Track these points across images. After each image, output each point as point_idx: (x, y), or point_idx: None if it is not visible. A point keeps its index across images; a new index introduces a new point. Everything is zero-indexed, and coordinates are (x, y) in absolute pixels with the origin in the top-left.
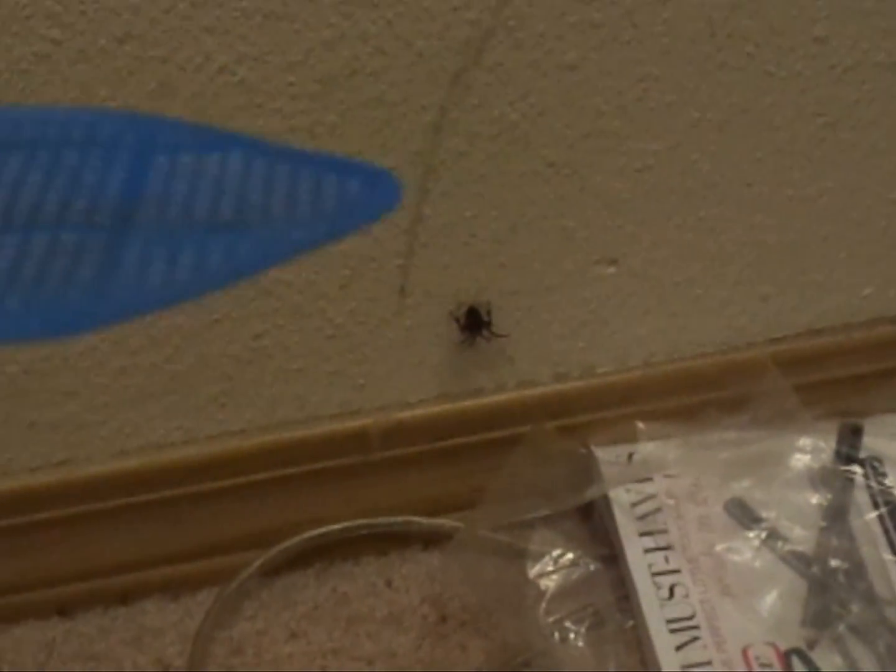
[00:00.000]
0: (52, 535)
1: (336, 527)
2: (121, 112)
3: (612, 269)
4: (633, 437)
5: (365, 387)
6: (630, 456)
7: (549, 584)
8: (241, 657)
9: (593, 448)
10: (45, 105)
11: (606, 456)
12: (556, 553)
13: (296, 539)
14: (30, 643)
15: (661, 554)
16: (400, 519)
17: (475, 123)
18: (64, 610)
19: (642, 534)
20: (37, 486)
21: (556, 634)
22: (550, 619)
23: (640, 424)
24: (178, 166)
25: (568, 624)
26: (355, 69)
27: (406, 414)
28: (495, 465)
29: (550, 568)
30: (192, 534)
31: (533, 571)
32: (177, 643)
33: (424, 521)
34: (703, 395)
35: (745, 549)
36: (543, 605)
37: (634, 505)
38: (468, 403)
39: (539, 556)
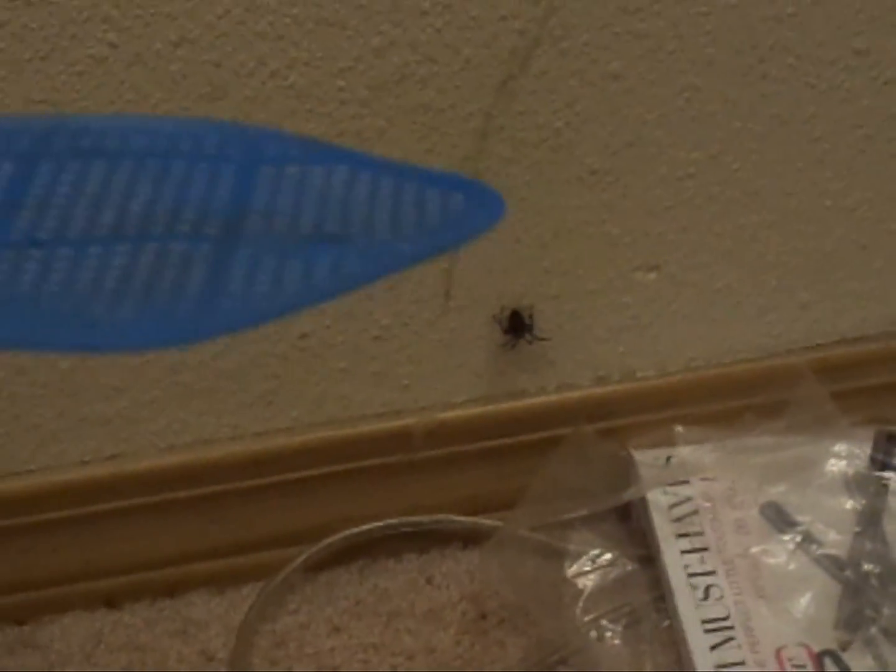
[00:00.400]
0: (101, 528)
1: (379, 524)
2: (227, 123)
3: (653, 275)
4: (671, 441)
5: (409, 387)
6: (668, 459)
7: (587, 583)
8: (283, 650)
9: (632, 451)
10: (152, 116)
11: (645, 459)
12: (593, 553)
13: (339, 535)
14: (77, 633)
15: (696, 555)
16: (441, 517)
17: (520, 130)
18: (111, 601)
19: (679, 535)
20: (87, 479)
21: (593, 633)
22: (587, 618)
23: (679, 428)
24: (283, 178)
25: (605, 623)
26: (404, 75)
27: (449, 414)
28: (535, 466)
29: (588, 567)
30: (237, 529)
31: (571, 570)
32: (221, 635)
33: (465, 519)
34: (741, 401)
35: (780, 552)
36: (581, 603)
37: (671, 507)
38: (510, 405)
39: (577, 556)
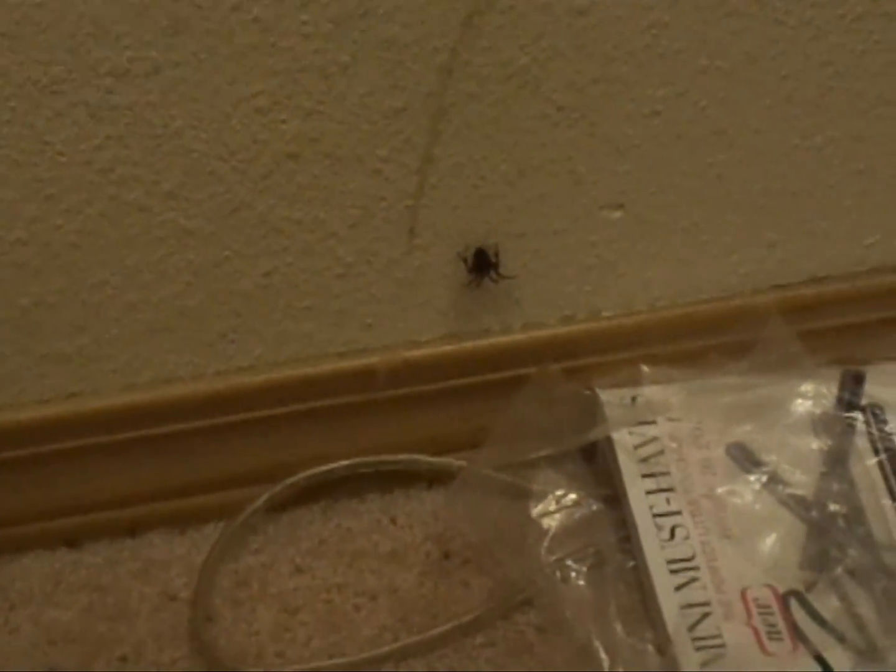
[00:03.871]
0: (61, 467)
1: (342, 464)
2: None
3: (618, 214)
4: (637, 381)
5: (372, 326)
6: (634, 399)
7: (552, 523)
8: (246, 590)
9: (598, 390)
10: None
11: (610, 398)
12: (558, 493)
13: (302, 475)
14: (37, 573)
15: (662, 495)
16: (405, 457)
17: (486, 66)
18: (72, 541)
19: (644, 475)
20: (47, 418)
21: (558, 573)
22: (552, 558)
23: (645, 368)
24: None
25: (569, 563)
26: (368, 9)
27: (413, 353)
28: (500, 406)
29: (553, 507)
30: (199, 468)
31: (536, 511)
32: (183, 575)
33: (429, 459)
34: (707, 340)
35: (746, 492)
36: (545, 543)
37: (637, 447)
38: (475, 344)
39: (542, 496)
